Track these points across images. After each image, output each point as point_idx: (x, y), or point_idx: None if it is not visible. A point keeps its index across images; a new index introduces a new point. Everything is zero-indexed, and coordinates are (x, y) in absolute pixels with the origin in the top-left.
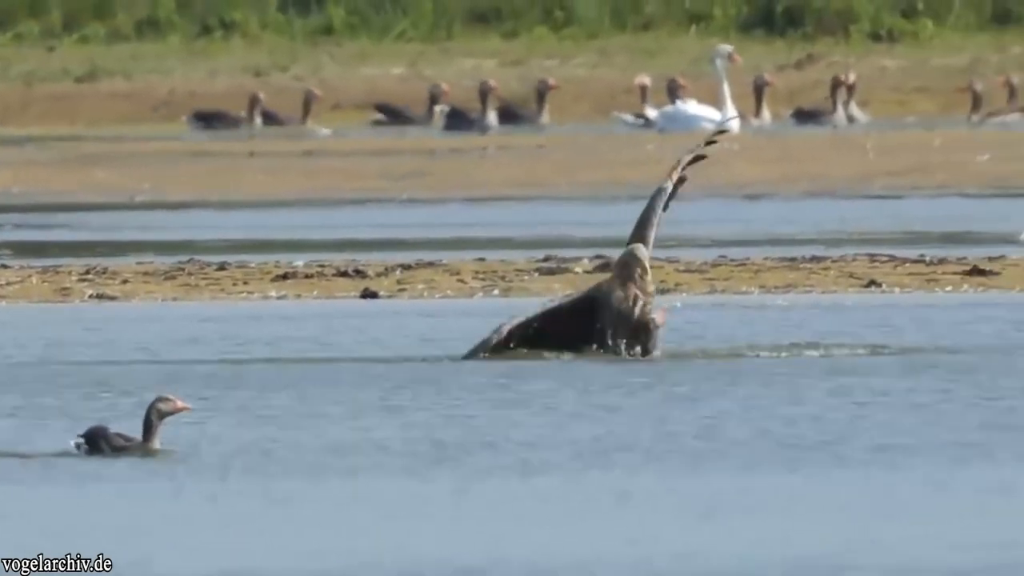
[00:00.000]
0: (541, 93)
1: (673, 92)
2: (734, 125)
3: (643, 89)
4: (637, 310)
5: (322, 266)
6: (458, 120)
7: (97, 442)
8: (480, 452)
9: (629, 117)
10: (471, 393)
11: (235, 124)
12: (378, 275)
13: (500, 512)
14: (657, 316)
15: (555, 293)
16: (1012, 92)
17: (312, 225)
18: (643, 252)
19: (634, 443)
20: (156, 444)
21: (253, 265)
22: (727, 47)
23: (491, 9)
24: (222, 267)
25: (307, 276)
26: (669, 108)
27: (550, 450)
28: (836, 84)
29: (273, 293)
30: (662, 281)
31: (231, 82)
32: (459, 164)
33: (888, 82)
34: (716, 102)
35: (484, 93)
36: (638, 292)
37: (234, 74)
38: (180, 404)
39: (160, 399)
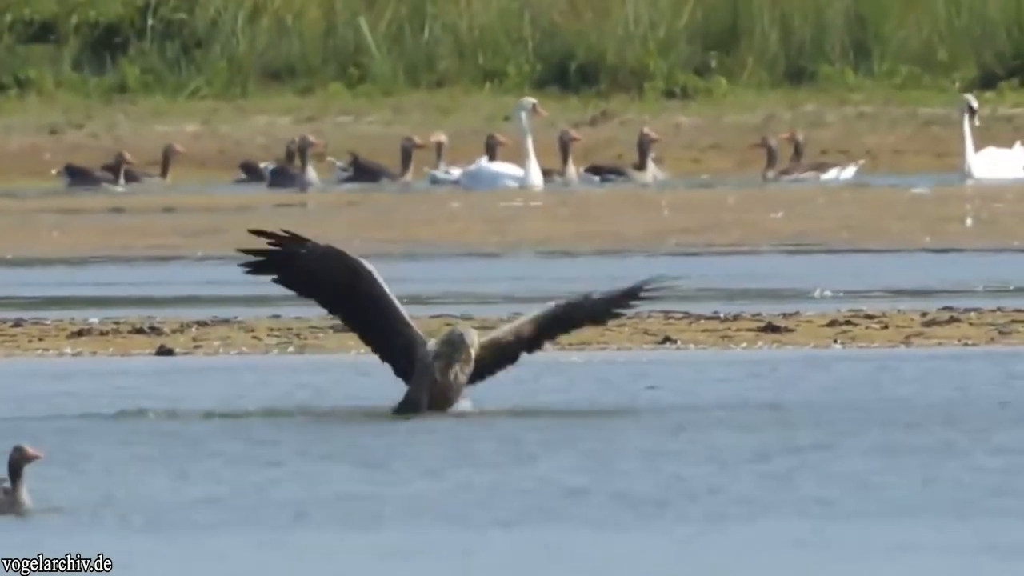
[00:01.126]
0: (302, 148)
1: (491, 149)
2: (536, 182)
3: (439, 146)
4: (451, 392)
5: (117, 323)
6: (281, 177)
7: None
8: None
9: (441, 173)
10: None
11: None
12: (174, 332)
13: None
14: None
15: (349, 351)
16: (797, 149)
17: (108, 282)
18: (473, 338)
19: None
20: (24, 496)
21: (48, 322)
22: (530, 100)
23: (285, 66)
24: (18, 323)
25: (102, 333)
26: (473, 166)
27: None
28: (644, 140)
29: (68, 350)
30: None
31: (26, 140)
32: (252, 221)
33: (682, 139)
34: (519, 157)
35: (303, 149)
36: (458, 374)
37: (28, 132)
38: (32, 452)
39: (19, 447)
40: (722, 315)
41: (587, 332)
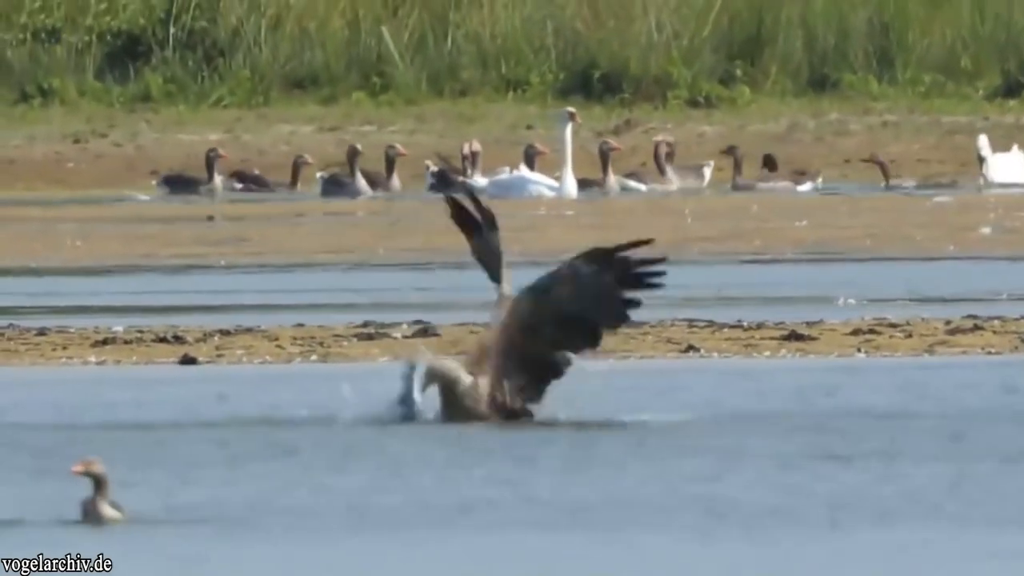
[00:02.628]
0: (391, 159)
1: (530, 159)
2: (572, 192)
3: (474, 156)
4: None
5: (141, 332)
6: (333, 186)
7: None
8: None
9: (471, 182)
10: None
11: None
12: (197, 341)
13: None
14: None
15: (374, 359)
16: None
17: (131, 291)
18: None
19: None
20: (106, 508)
21: (73, 330)
22: (569, 109)
23: (308, 76)
24: (42, 332)
25: (126, 342)
26: (504, 175)
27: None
28: (659, 150)
29: (92, 358)
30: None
31: (49, 148)
32: (276, 230)
33: (706, 148)
34: (559, 165)
35: (352, 157)
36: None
37: (52, 140)
38: (98, 467)
39: (89, 460)
40: (745, 323)
41: (609, 340)
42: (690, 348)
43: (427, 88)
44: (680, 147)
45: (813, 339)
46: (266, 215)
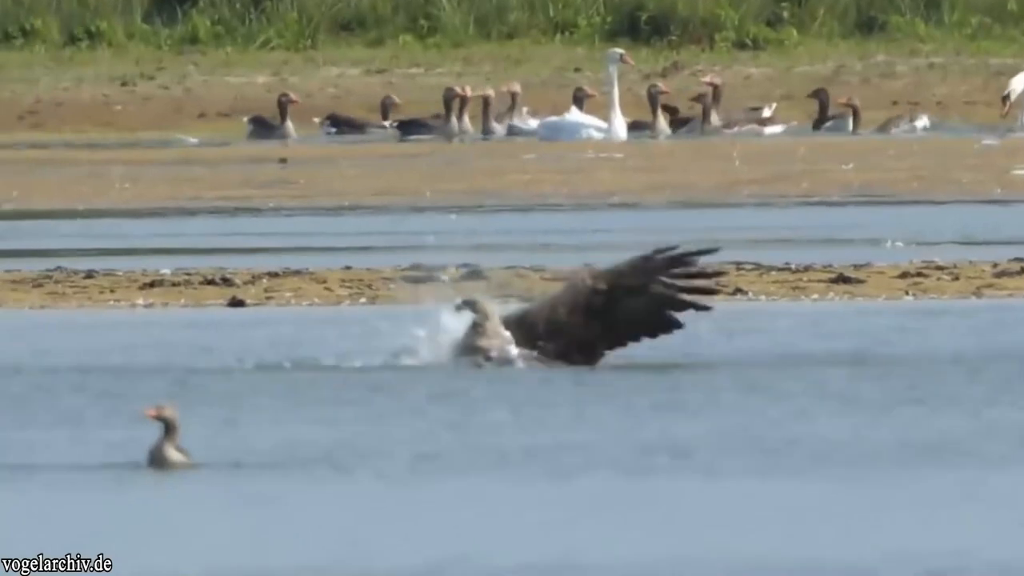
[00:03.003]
0: (448, 101)
1: (579, 101)
2: (620, 134)
3: (513, 96)
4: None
5: (189, 274)
6: (414, 128)
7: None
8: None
9: (521, 124)
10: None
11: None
12: (245, 283)
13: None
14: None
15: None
16: (855, 112)
17: (179, 233)
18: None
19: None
20: (172, 453)
21: (120, 273)
22: (618, 50)
23: (356, 18)
24: (89, 275)
25: (174, 284)
26: (553, 117)
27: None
28: (652, 93)
29: (140, 301)
30: (528, 289)
31: (97, 91)
32: (322, 172)
33: (753, 90)
34: (606, 107)
35: (449, 100)
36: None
37: (100, 83)
38: (170, 412)
39: (160, 406)
40: (793, 266)
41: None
42: (738, 291)
43: (474, 31)
44: (727, 89)
45: (861, 282)
46: (328, 157)
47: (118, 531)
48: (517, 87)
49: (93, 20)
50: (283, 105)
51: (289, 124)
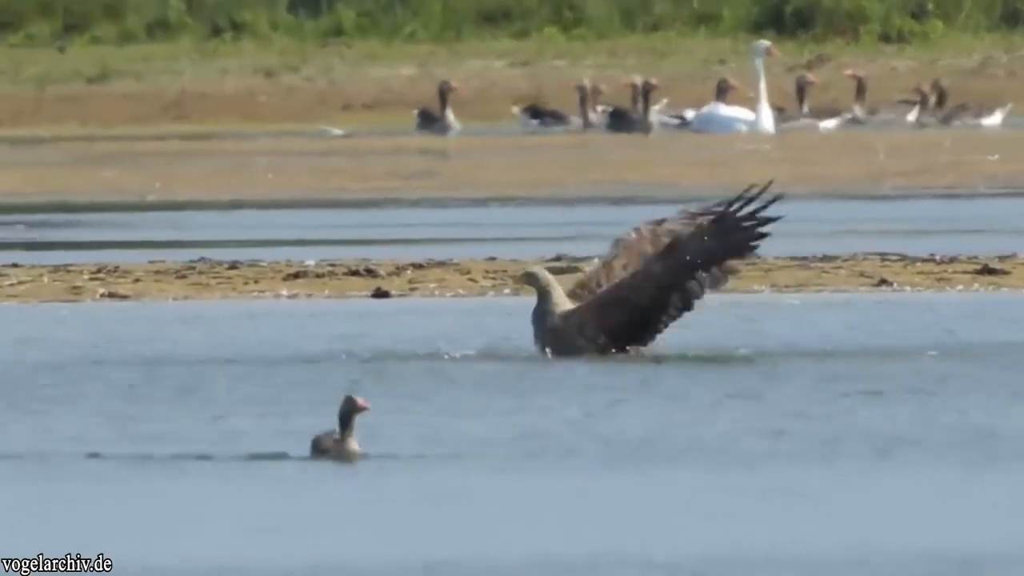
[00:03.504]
0: (645, 92)
1: (723, 93)
2: (768, 126)
3: (646, 91)
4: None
5: (333, 265)
6: (620, 121)
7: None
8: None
9: (667, 117)
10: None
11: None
12: (389, 274)
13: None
14: None
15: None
16: (941, 96)
17: (322, 225)
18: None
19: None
20: (354, 445)
21: (264, 264)
22: (764, 42)
23: (500, 10)
24: (233, 266)
25: (318, 276)
26: (705, 109)
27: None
28: (801, 82)
29: (284, 292)
30: None
31: (241, 83)
32: (467, 164)
33: (899, 83)
34: (753, 99)
35: (647, 92)
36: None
37: (244, 75)
38: (361, 403)
39: (350, 398)
40: (938, 257)
41: (803, 274)
42: (883, 282)
43: (619, 22)
44: (872, 82)
45: (1006, 273)
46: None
47: (312, 521)
48: (654, 81)
49: (237, 11)
50: (443, 94)
51: (449, 114)
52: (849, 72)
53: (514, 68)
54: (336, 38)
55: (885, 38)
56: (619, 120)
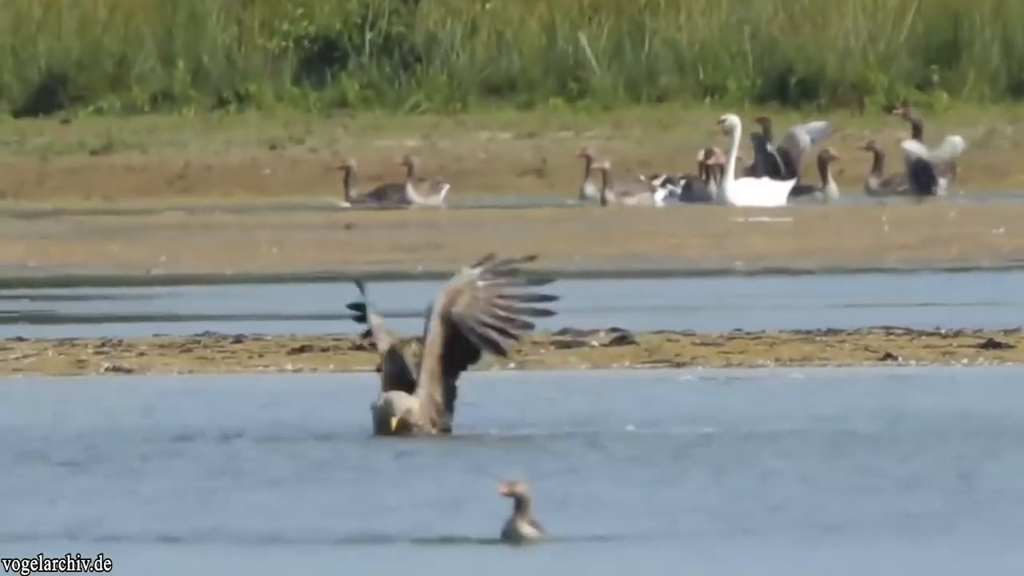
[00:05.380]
0: (823, 162)
1: (824, 165)
2: (733, 198)
3: (712, 168)
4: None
5: (338, 340)
6: (688, 192)
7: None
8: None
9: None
10: None
11: None
12: None
13: None
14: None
15: (572, 367)
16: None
17: (327, 298)
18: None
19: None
20: (525, 528)
21: (269, 338)
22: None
23: (505, 81)
24: (238, 340)
25: (323, 349)
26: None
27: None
28: (824, 158)
29: (289, 366)
30: (677, 354)
31: (246, 154)
32: (472, 237)
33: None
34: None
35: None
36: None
37: (249, 146)
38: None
39: (515, 481)
40: (943, 331)
41: (807, 348)
42: (888, 356)
43: (624, 94)
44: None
45: (1011, 347)
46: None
47: None
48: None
49: (242, 83)
50: (409, 168)
51: (409, 187)
52: (863, 144)
53: (519, 139)
54: (340, 109)
55: (890, 108)
56: (688, 192)
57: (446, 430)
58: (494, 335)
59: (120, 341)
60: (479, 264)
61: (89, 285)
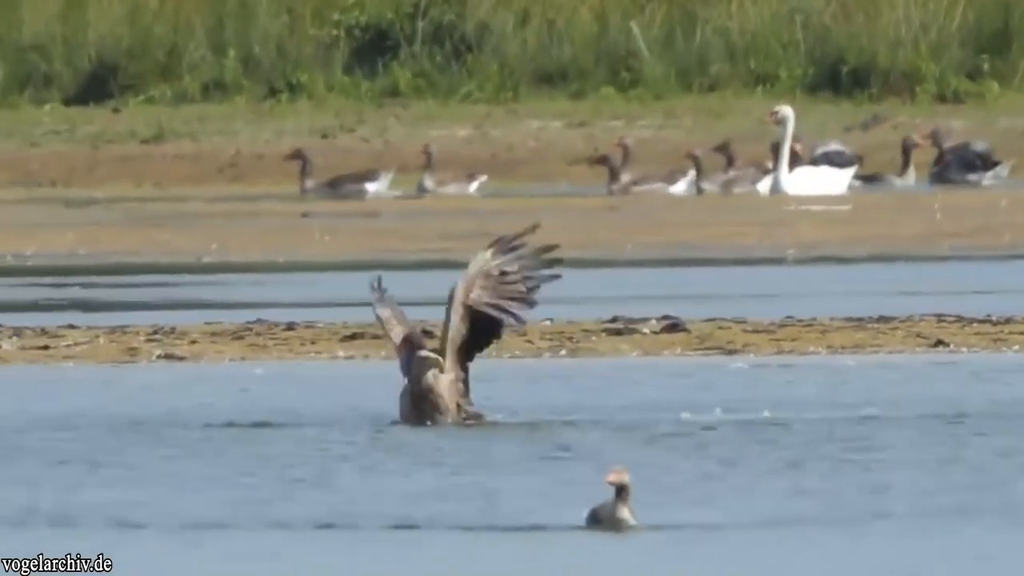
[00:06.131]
0: (907, 149)
1: (907, 151)
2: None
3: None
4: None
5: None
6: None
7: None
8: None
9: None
10: None
11: None
12: None
13: None
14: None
15: (623, 354)
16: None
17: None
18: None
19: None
20: (625, 514)
21: (321, 325)
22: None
23: (557, 70)
24: (290, 327)
25: (375, 336)
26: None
27: None
28: (907, 144)
29: (341, 353)
30: (729, 342)
31: (297, 143)
32: (523, 224)
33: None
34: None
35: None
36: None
37: (300, 135)
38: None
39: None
40: (994, 318)
41: (859, 335)
42: (939, 343)
43: (675, 83)
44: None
45: None
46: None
47: None
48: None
49: (293, 73)
50: (428, 158)
51: (427, 177)
52: (925, 133)
53: (571, 129)
54: (392, 99)
55: (941, 98)
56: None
57: (477, 416)
58: (511, 305)
59: (172, 329)
60: (491, 245)
61: (140, 273)
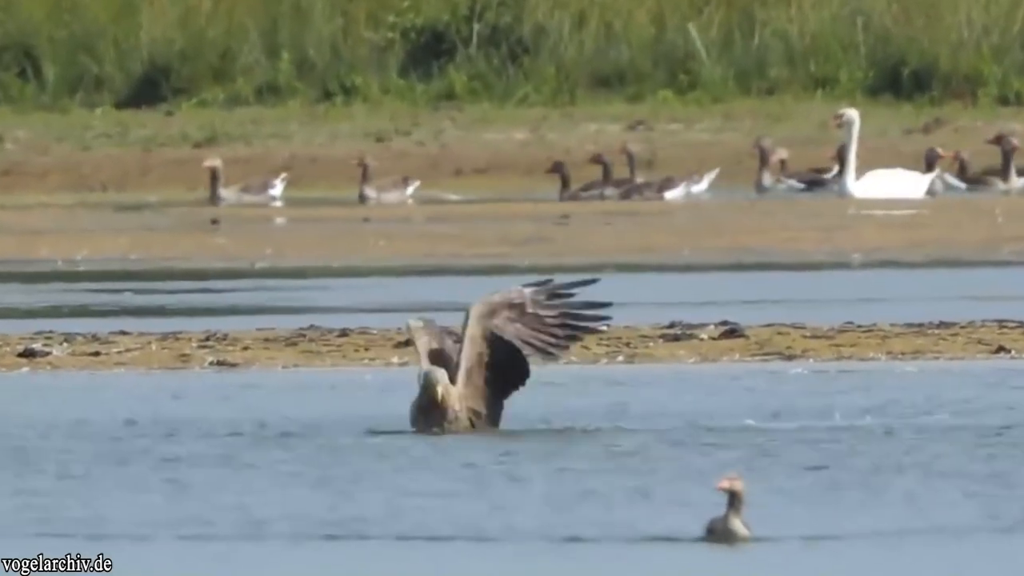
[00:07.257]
0: (1007, 154)
1: (931, 161)
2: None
3: (763, 153)
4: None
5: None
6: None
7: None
8: None
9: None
10: None
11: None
12: None
13: None
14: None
15: (681, 360)
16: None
17: (435, 291)
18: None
19: None
20: (738, 525)
21: (375, 331)
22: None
23: (615, 73)
24: (343, 333)
25: None
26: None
27: None
28: (1007, 148)
29: (395, 359)
30: (788, 347)
31: (352, 147)
32: (579, 230)
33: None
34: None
35: (1006, 153)
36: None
37: (355, 139)
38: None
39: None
40: None
41: (919, 341)
42: (1000, 349)
43: (734, 86)
44: (990, 146)
45: None
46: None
47: None
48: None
49: (348, 76)
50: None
51: (365, 188)
52: (992, 138)
53: (629, 131)
54: (448, 102)
55: (1003, 101)
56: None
57: (493, 424)
58: (535, 340)
59: (225, 335)
60: (531, 284)
61: (193, 278)
